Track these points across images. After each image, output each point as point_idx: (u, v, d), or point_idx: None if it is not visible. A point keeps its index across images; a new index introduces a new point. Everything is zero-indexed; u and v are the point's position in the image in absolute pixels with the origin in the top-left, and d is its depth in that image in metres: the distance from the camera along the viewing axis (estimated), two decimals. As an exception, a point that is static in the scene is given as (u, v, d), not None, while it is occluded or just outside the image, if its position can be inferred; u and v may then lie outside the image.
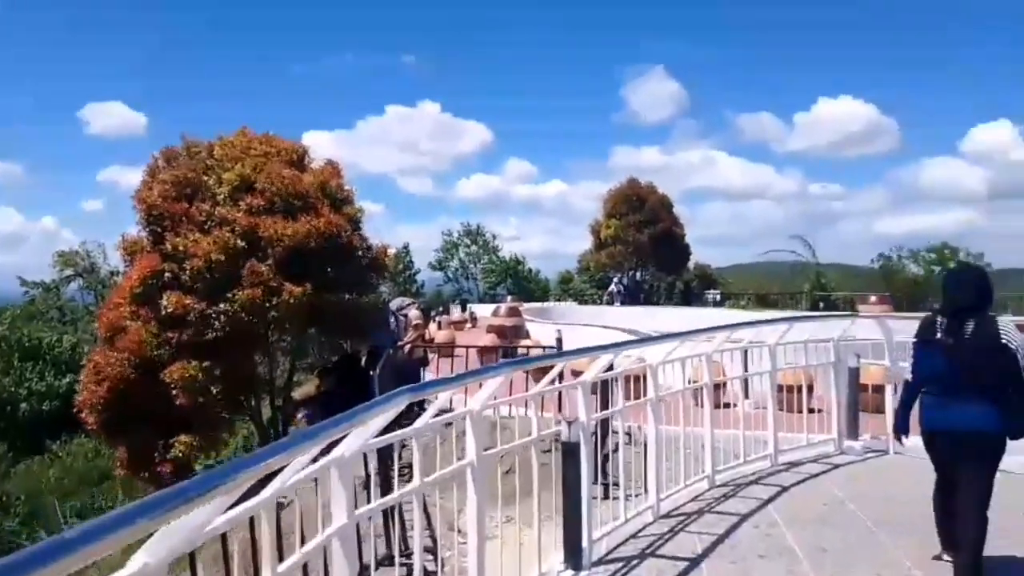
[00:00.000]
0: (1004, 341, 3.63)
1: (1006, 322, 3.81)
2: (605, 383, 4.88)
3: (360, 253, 11.84)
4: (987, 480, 3.75)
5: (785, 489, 5.56)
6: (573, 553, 3.93)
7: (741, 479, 5.83)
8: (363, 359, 10.72)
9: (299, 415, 12.14)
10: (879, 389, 7.37)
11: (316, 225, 10.66)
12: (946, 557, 3.99)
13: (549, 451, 4.40)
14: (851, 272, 44.24)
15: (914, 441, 6.64)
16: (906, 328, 8.04)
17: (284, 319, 10.57)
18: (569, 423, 3.83)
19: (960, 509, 3.79)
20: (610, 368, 4.87)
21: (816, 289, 30.67)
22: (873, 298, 21.39)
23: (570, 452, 3.82)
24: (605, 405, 4.92)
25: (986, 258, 32.58)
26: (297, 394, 13.56)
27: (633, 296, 32.32)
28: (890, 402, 6.76)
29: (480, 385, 3.58)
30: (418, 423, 3.11)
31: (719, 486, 5.64)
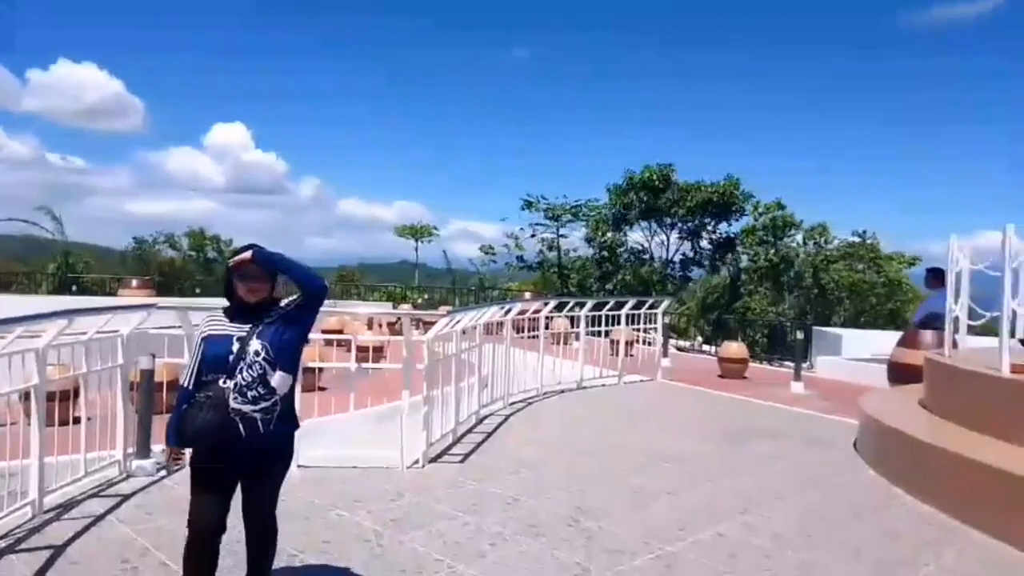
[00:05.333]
0: None
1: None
2: None
3: None
4: None
5: (60, 552, 3.90)
6: None
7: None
8: None
9: None
10: (174, 385, 6.27)
11: None
12: None
13: None
14: (104, 253, 41.33)
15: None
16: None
17: None
18: None
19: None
20: None
21: (65, 270, 27.15)
22: (135, 282, 19.90)
23: None
24: None
25: (234, 244, 35.20)
26: None
27: None
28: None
29: None
30: None
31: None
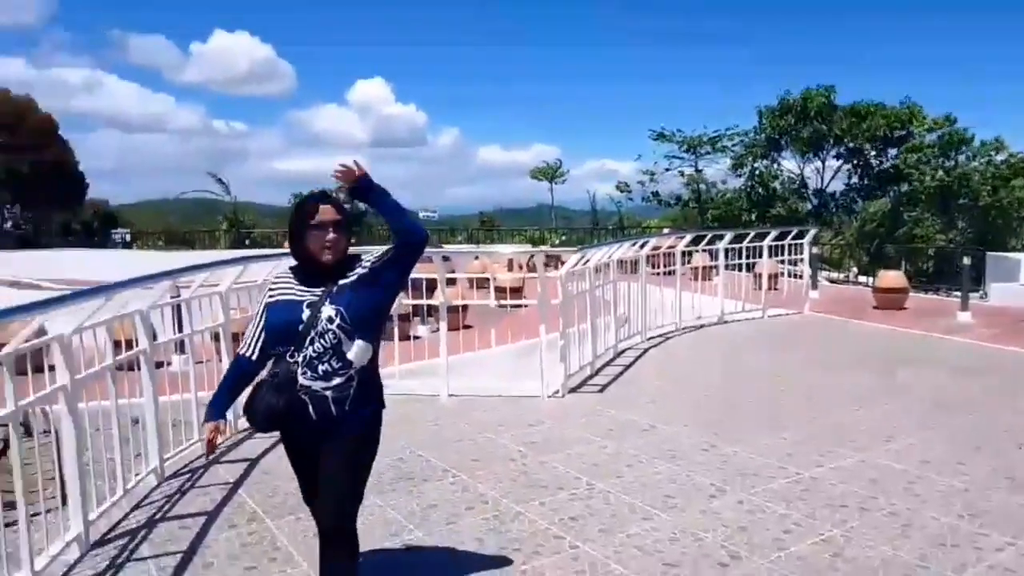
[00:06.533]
0: None
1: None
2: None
3: None
4: None
5: (254, 464, 4.57)
6: None
7: (196, 460, 4.63)
8: None
9: None
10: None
11: None
12: None
13: None
14: (264, 210, 44.96)
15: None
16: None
17: None
18: None
19: None
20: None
21: (236, 227, 29.93)
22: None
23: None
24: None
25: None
26: None
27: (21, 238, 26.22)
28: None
29: None
30: None
31: (172, 477, 4.35)
